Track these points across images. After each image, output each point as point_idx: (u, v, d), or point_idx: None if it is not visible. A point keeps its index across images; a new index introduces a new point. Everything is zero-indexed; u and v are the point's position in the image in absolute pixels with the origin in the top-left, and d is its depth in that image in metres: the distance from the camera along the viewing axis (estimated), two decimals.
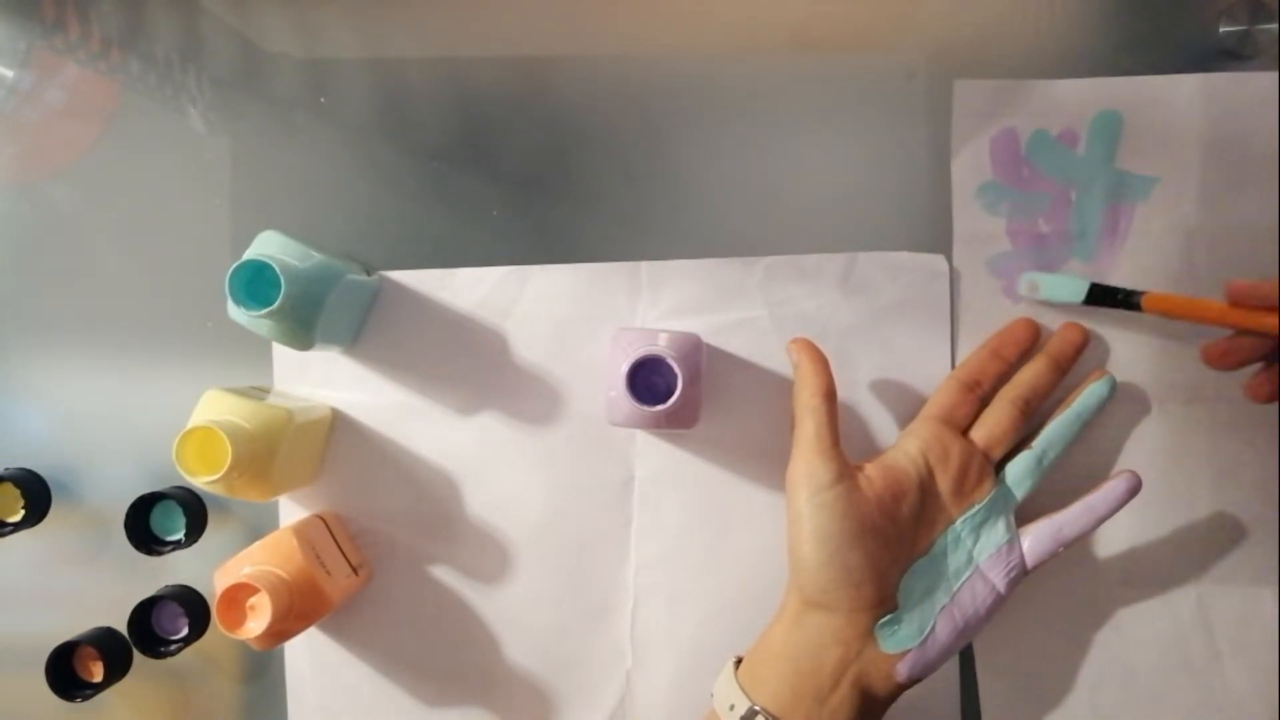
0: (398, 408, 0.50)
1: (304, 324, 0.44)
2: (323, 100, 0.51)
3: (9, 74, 0.51)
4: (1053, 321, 0.49)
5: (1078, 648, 0.50)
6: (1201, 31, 0.50)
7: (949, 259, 0.50)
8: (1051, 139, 0.49)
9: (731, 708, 0.42)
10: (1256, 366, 0.47)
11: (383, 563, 0.50)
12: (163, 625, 0.49)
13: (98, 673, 0.48)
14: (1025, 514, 0.46)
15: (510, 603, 0.50)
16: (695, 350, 0.46)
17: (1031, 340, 0.49)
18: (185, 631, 0.49)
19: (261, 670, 0.51)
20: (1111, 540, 0.50)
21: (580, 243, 0.50)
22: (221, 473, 0.40)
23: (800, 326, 0.50)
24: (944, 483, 0.45)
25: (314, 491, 0.50)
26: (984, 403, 0.48)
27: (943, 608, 0.44)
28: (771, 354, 0.50)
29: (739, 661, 0.45)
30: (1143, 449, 0.49)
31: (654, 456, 0.50)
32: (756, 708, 0.41)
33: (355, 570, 0.48)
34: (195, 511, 0.49)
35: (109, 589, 0.50)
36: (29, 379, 0.51)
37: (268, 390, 0.50)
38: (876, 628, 0.42)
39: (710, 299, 0.50)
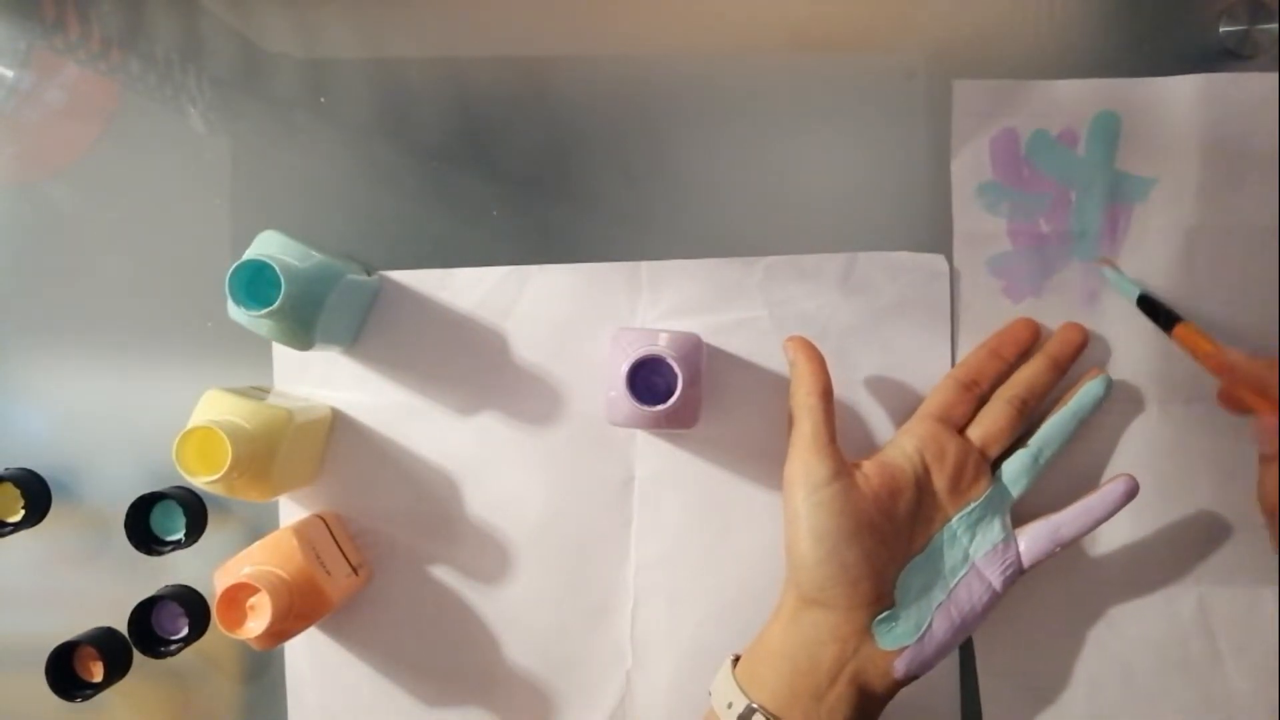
0: (398, 408, 0.50)
1: (304, 324, 0.44)
2: (323, 100, 0.51)
3: (9, 74, 0.51)
4: (1052, 322, 0.49)
5: (1078, 648, 0.50)
6: (1201, 31, 0.50)
7: (949, 259, 0.50)
8: (1051, 139, 0.49)
9: (729, 706, 0.42)
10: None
11: (383, 563, 0.50)
12: (163, 625, 0.49)
13: (98, 673, 0.48)
14: (1022, 512, 0.46)
15: (510, 603, 0.50)
16: (695, 350, 0.46)
17: (1031, 340, 0.49)
18: (185, 631, 0.49)
19: (261, 670, 0.51)
20: (1112, 540, 0.50)
21: (580, 243, 0.50)
22: (221, 473, 0.40)
23: (800, 326, 0.50)
24: (940, 480, 0.45)
25: (314, 491, 0.50)
26: (981, 402, 0.48)
27: (939, 605, 0.44)
28: (771, 354, 0.50)
29: (737, 660, 0.45)
30: (1143, 449, 0.49)
31: (654, 456, 0.50)
32: (754, 705, 0.41)
33: (355, 570, 0.48)
34: (195, 511, 0.49)
35: (109, 589, 0.50)
36: (29, 379, 0.51)
37: (268, 390, 0.50)
38: (874, 625, 0.42)
39: (710, 299, 0.50)
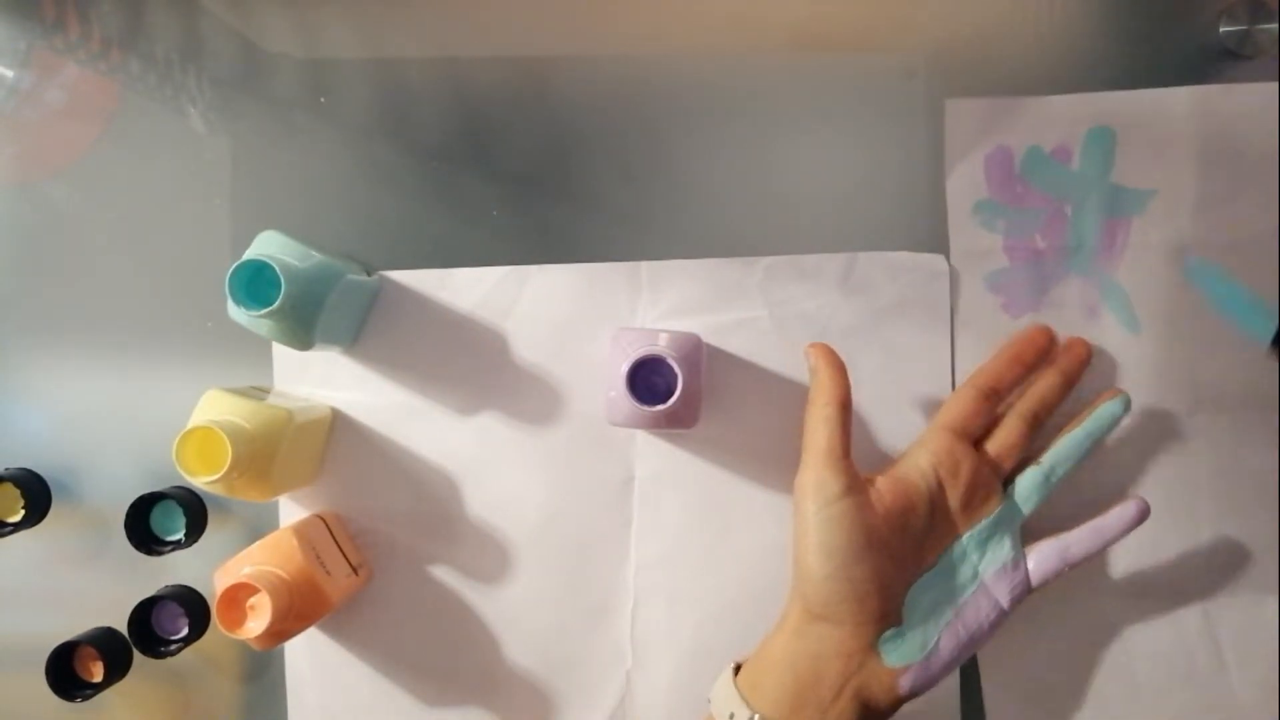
0: (398, 408, 0.50)
1: (304, 324, 0.44)
2: (323, 100, 0.51)
3: (9, 74, 0.51)
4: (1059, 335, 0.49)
5: (1084, 661, 0.50)
6: (1201, 32, 0.50)
7: (949, 259, 0.50)
8: (1045, 155, 0.49)
9: (731, 716, 0.42)
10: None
11: (383, 563, 0.50)
12: (163, 625, 0.49)
13: (98, 673, 0.48)
14: (1030, 529, 0.46)
15: (510, 603, 0.50)
16: (695, 350, 0.46)
17: (1049, 346, 0.48)
18: (185, 631, 0.49)
19: (261, 670, 0.51)
20: (1116, 553, 0.49)
21: (580, 243, 0.50)
22: (221, 473, 0.40)
23: (800, 326, 0.50)
24: (953, 497, 0.45)
25: (314, 491, 0.50)
26: (997, 413, 0.47)
27: (947, 623, 0.43)
28: (771, 354, 0.50)
29: (738, 668, 0.44)
30: (1146, 461, 0.49)
31: (654, 456, 0.50)
32: (756, 716, 0.41)
33: (355, 570, 0.48)
34: (195, 511, 0.49)
35: (109, 589, 0.50)
36: (29, 379, 0.51)
37: (268, 390, 0.50)
38: (880, 641, 0.42)
39: (710, 299, 0.50)
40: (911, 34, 0.50)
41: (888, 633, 0.42)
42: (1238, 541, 0.49)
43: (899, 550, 0.43)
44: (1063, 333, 0.49)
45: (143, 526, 0.49)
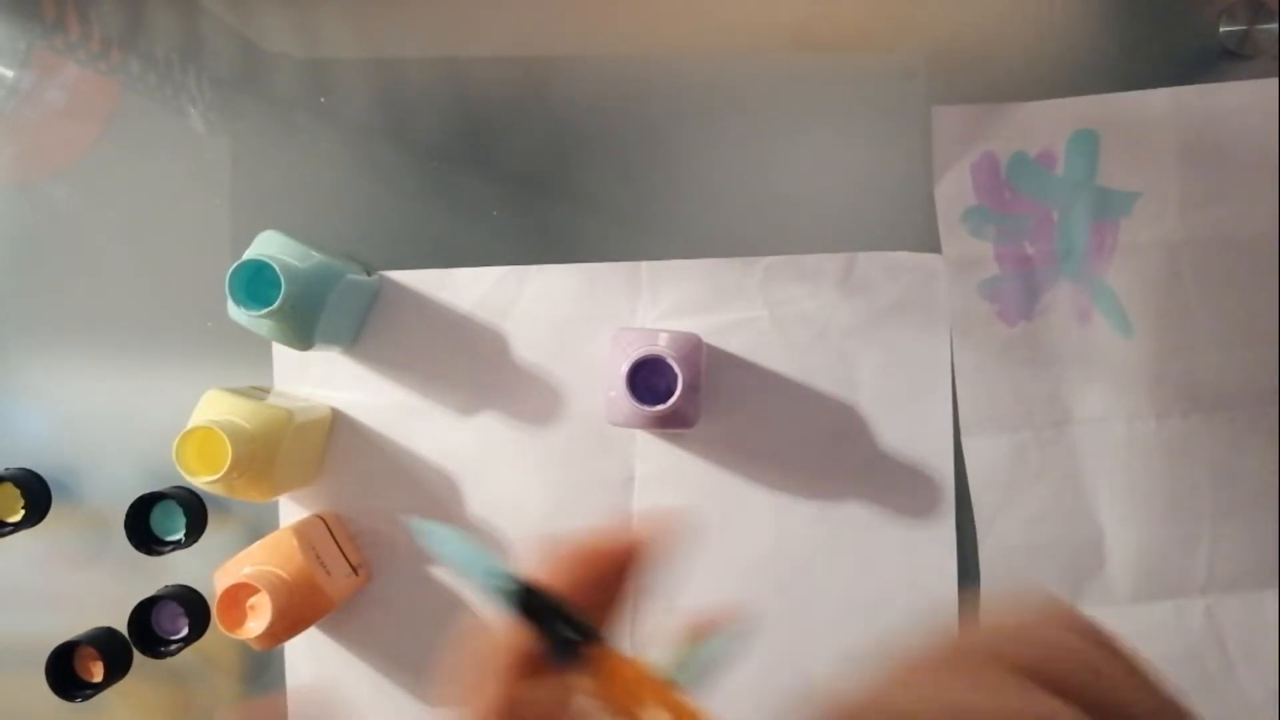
0: (398, 408, 0.50)
1: (304, 324, 0.44)
2: (323, 100, 0.51)
3: (9, 74, 0.51)
4: (1049, 342, 0.49)
5: None
6: (1202, 32, 0.50)
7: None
8: (1030, 160, 0.49)
9: None
10: None
11: (383, 563, 0.50)
12: (163, 625, 0.49)
13: (98, 673, 0.48)
14: None
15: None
16: (695, 350, 0.46)
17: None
18: (185, 631, 0.49)
19: (261, 670, 0.51)
20: (1119, 555, 0.49)
21: (580, 243, 0.50)
22: (221, 473, 0.40)
23: (800, 326, 0.50)
24: None
25: (314, 491, 0.50)
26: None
27: None
28: (771, 354, 0.50)
29: None
30: (1142, 462, 0.49)
31: (654, 456, 0.50)
32: None
33: (355, 570, 0.48)
34: (195, 511, 0.49)
35: (109, 589, 0.50)
36: (29, 379, 0.51)
37: (268, 390, 0.50)
38: None
39: (710, 299, 0.50)
40: (911, 34, 0.50)
41: None
42: (1233, 536, 0.49)
43: None
44: (1057, 338, 0.49)
45: (143, 526, 0.49)
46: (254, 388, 0.49)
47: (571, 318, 0.50)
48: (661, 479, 0.50)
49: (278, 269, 0.41)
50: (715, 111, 0.50)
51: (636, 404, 0.43)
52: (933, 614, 0.49)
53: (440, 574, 0.50)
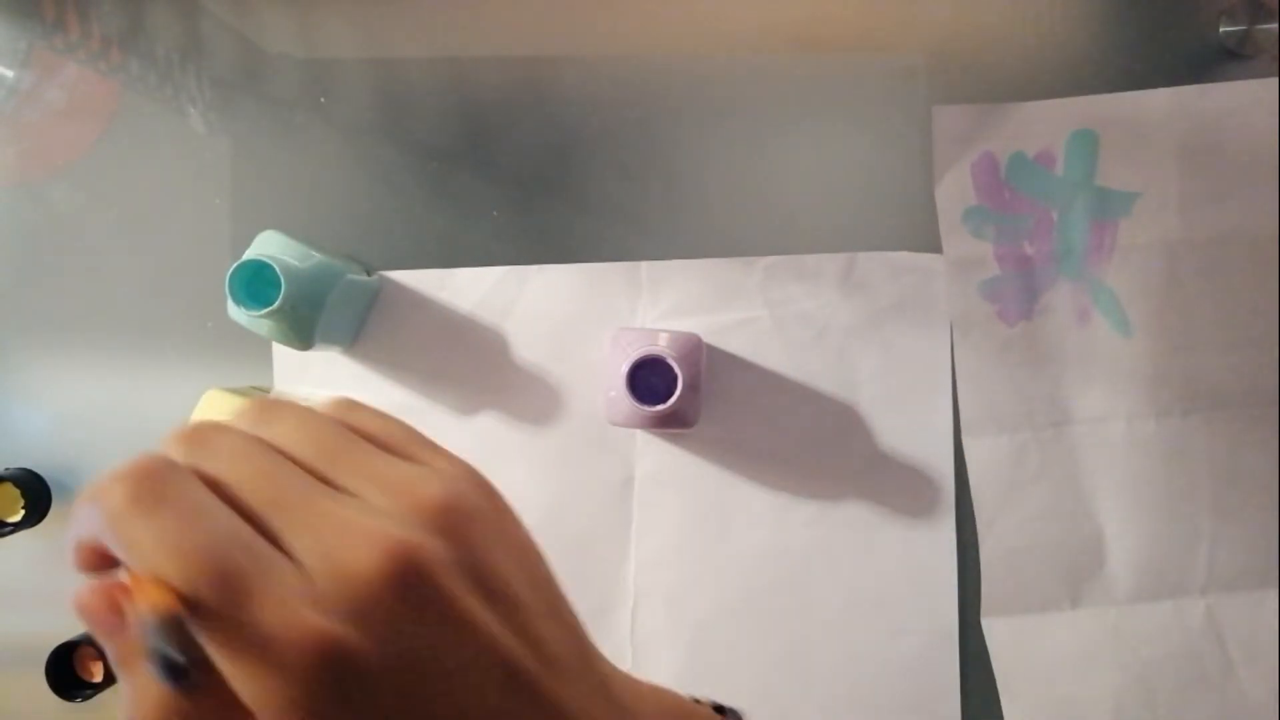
0: (398, 408, 0.50)
1: (304, 324, 0.44)
2: (323, 100, 0.51)
3: (9, 74, 0.51)
4: (1048, 343, 0.49)
5: (1098, 671, 0.49)
6: (1202, 32, 0.50)
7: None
8: (1029, 160, 0.49)
9: None
10: None
11: None
12: None
13: (98, 673, 0.48)
14: None
15: None
16: (695, 350, 0.46)
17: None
18: None
19: None
20: (1119, 555, 0.49)
21: (580, 243, 0.50)
22: None
23: (800, 326, 0.50)
24: None
25: None
26: None
27: None
28: (771, 354, 0.50)
29: None
30: (1142, 461, 0.49)
31: (654, 456, 0.50)
32: None
33: None
34: None
35: None
36: (29, 379, 0.51)
37: (268, 390, 0.50)
38: None
39: (710, 299, 0.50)
40: (911, 34, 0.50)
41: None
42: (1232, 535, 0.49)
43: None
44: (1056, 338, 0.49)
45: None
46: (254, 388, 0.49)
47: (571, 318, 0.50)
48: (661, 479, 0.50)
49: (278, 269, 0.41)
50: (715, 112, 0.50)
51: (636, 404, 0.43)
52: (933, 614, 0.49)
53: None
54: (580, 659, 0.27)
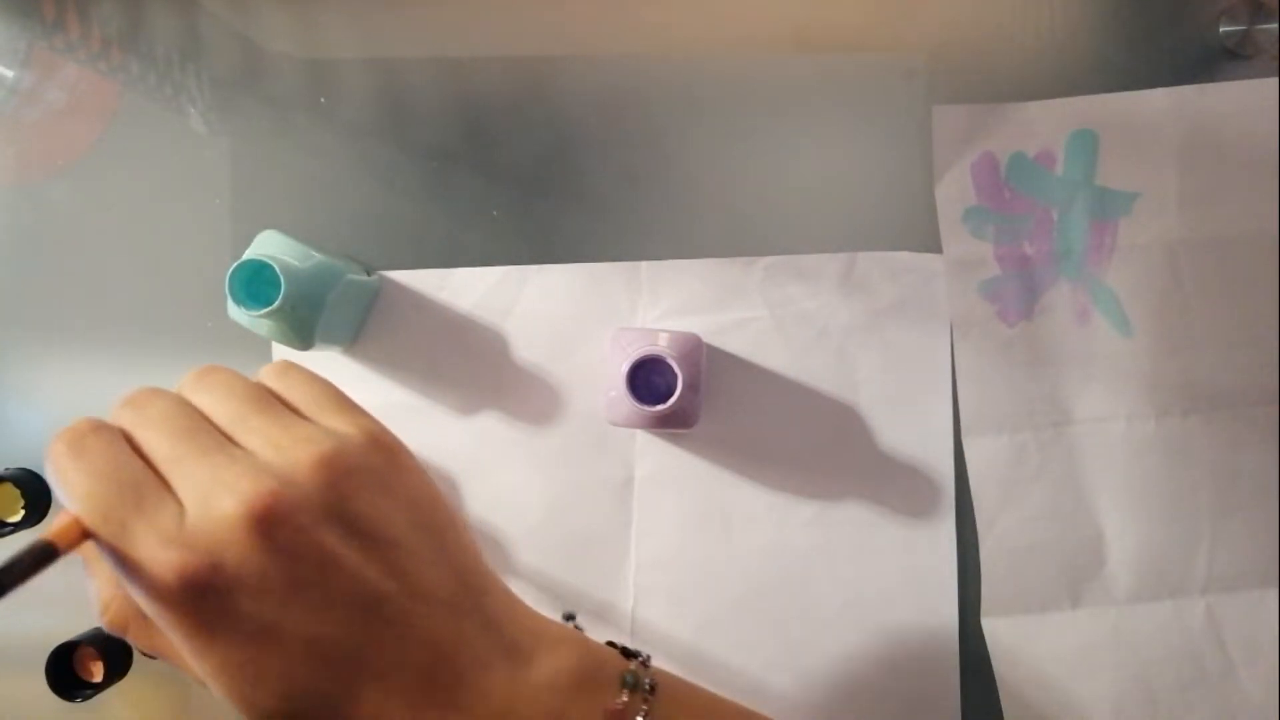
0: (398, 408, 0.50)
1: (304, 324, 0.44)
2: (323, 100, 0.51)
3: (9, 74, 0.51)
4: (1048, 343, 0.49)
5: (1098, 671, 0.49)
6: (1201, 32, 0.50)
7: None
8: (1029, 160, 0.49)
9: None
10: None
11: None
12: None
13: (98, 673, 0.48)
14: None
15: None
16: (695, 350, 0.46)
17: None
18: None
19: None
20: (1119, 555, 0.49)
21: (580, 243, 0.50)
22: None
23: (800, 326, 0.50)
24: None
25: None
26: None
27: None
28: (771, 354, 0.50)
29: None
30: (1141, 462, 0.49)
31: (654, 456, 0.50)
32: None
33: None
34: None
35: None
36: (29, 379, 0.51)
37: None
38: None
39: (710, 299, 0.50)
40: (911, 34, 0.50)
41: None
42: (1232, 536, 0.49)
43: None
44: (1057, 338, 0.49)
45: None
46: None
47: (571, 318, 0.50)
48: (661, 479, 0.50)
49: (278, 269, 0.41)
50: (715, 111, 0.50)
51: (636, 404, 0.43)
52: (933, 614, 0.49)
53: None
54: (463, 596, 0.30)
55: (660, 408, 0.43)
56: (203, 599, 0.26)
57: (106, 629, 0.32)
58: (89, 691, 0.47)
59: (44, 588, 0.51)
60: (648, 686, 0.32)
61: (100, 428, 0.28)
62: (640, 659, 0.34)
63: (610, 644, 0.35)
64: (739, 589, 0.50)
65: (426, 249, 0.50)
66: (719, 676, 0.49)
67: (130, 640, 0.32)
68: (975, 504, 0.49)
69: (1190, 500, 0.49)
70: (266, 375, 0.33)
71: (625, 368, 0.43)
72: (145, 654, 0.33)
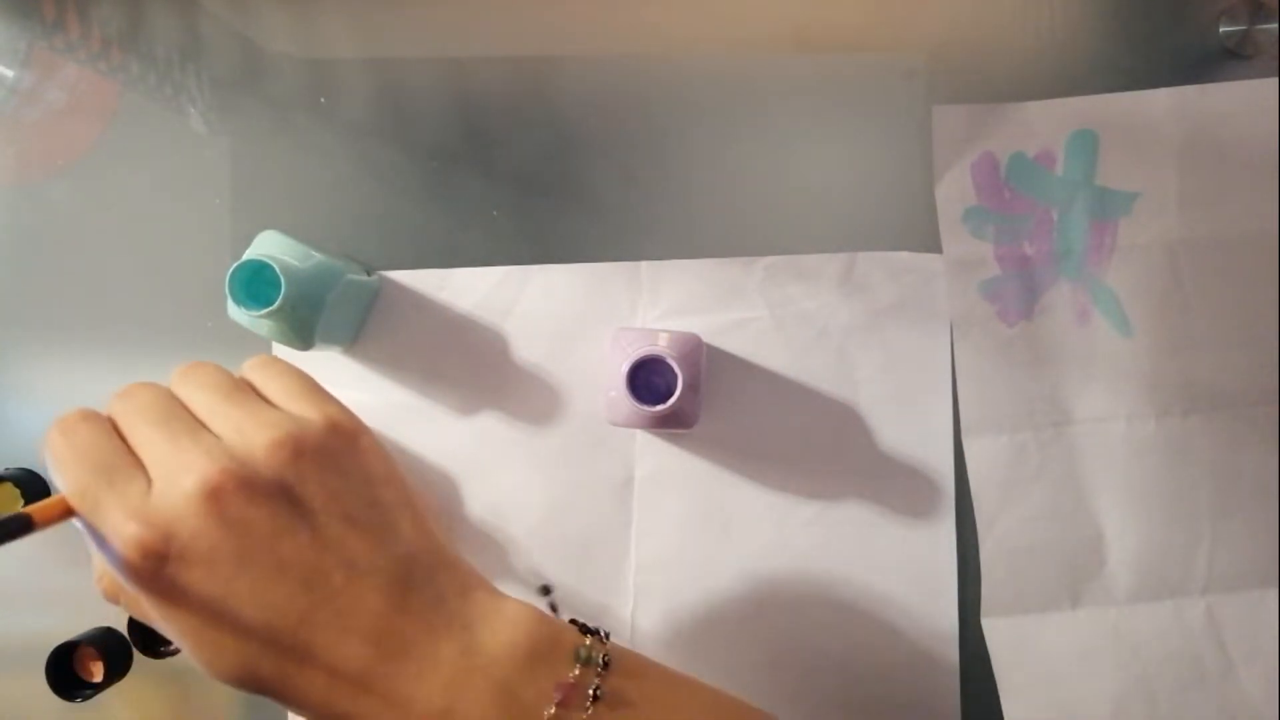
0: (398, 408, 0.50)
1: (304, 324, 0.44)
2: (323, 100, 0.51)
3: (9, 74, 0.51)
4: (1048, 344, 0.49)
5: (1098, 671, 0.49)
6: (1201, 32, 0.50)
7: None
8: (1029, 161, 0.49)
9: None
10: None
11: None
12: None
13: (98, 673, 0.48)
14: None
15: None
16: (695, 350, 0.46)
17: None
18: None
19: None
20: (1119, 555, 0.49)
21: (580, 243, 0.50)
22: None
23: (800, 326, 0.50)
24: None
25: None
26: None
27: None
28: (771, 354, 0.50)
29: None
30: (1141, 462, 0.49)
31: (654, 456, 0.50)
32: None
33: None
34: None
35: None
36: (29, 379, 0.51)
37: None
38: None
39: (710, 299, 0.50)
40: (911, 34, 0.50)
41: None
42: (1232, 535, 0.49)
43: None
44: (1057, 338, 0.49)
45: None
46: None
47: (571, 318, 0.50)
48: (661, 479, 0.50)
49: (278, 269, 0.41)
50: (715, 112, 0.50)
51: (636, 404, 0.43)
52: (933, 614, 0.49)
53: None
54: (414, 570, 0.32)
55: (660, 408, 0.43)
56: (160, 569, 0.29)
57: (103, 597, 0.37)
58: (89, 691, 0.47)
59: (44, 588, 0.51)
60: (602, 661, 0.33)
61: (90, 416, 0.32)
62: (599, 635, 0.35)
63: (573, 621, 0.36)
64: (739, 589, 0.50)
65: (426, 249, 0.50)
66: (719, 676, 0.49)
67: (123, 606, 0.36)
68: (975, 504, 0.49)
69: (1190, 500, 0.49)
70: (248, 369, 0.36)
71: (625, 368, 0.43)
72: (138, 621, 0.38)
